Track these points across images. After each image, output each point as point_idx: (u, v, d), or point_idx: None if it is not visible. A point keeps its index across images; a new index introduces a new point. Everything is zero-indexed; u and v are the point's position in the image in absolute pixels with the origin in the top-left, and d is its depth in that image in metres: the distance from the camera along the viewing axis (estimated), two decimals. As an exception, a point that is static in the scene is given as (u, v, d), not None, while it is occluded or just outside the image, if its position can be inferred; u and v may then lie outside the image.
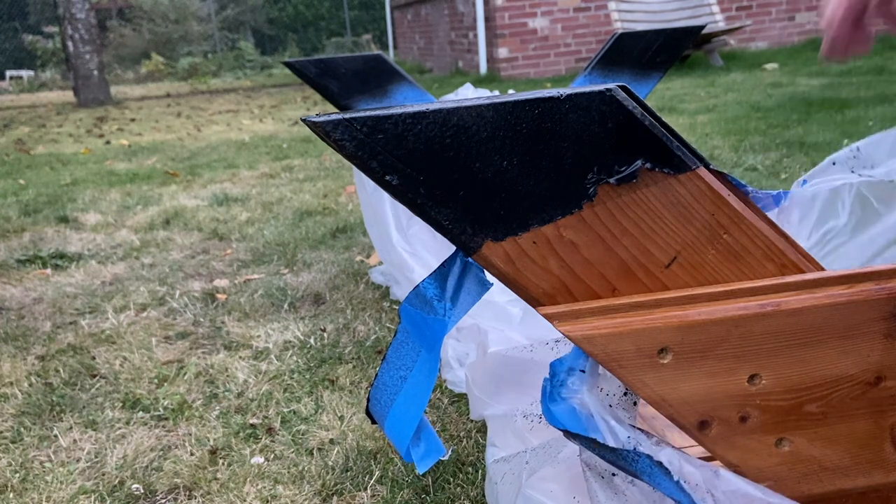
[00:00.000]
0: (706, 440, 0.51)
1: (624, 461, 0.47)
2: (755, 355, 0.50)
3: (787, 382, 0.51)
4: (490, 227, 0.43)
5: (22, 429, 1.40)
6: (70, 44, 8.04)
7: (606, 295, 0.47)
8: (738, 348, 0.49)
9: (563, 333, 0.45)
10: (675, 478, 0.46)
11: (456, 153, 0.40)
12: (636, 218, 0.45)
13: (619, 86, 0.40)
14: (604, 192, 0.44)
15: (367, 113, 0.37)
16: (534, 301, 0.46)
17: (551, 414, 0.48)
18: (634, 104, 0.41)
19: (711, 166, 0.45)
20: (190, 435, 1.34)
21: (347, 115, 0.37)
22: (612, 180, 0.43)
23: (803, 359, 0.51)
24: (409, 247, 1.69)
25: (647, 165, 0.43)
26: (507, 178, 0.41)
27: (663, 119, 0.44)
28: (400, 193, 0.40)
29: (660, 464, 0.46)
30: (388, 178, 0.39)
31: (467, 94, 1.71)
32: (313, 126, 0.37)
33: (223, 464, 1.25)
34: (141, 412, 1.44)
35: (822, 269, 0.53)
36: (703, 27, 1.68)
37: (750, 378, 0.50)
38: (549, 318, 0.45)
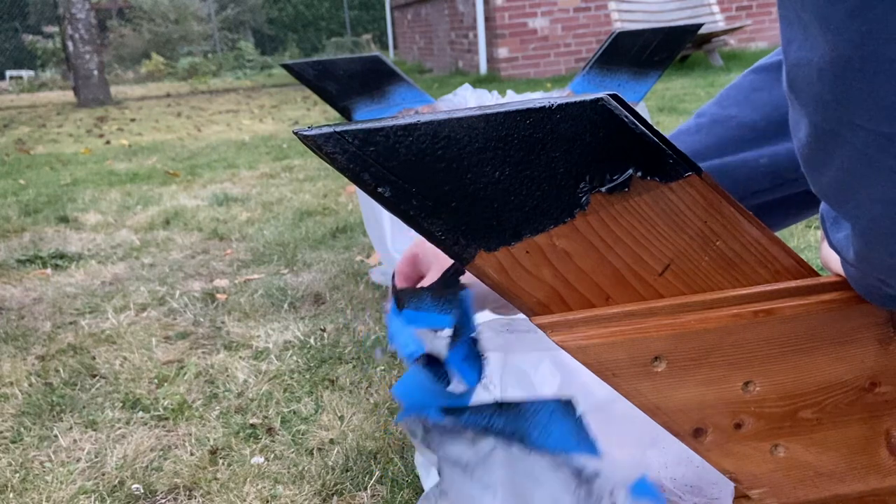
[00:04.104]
0: (701, 448, 0.51)
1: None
2: (749, 362, 0.50)
3: (781, 389, 0.51)
4: (483, 237, 0.43)
5: (22, 429, 1.40)
6: (70, 44, 8.04)
7: (600, 303, 0.47)
8: (731, 355, 0.49)
9: (556, 343, 0.45)
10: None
11: (448, 164, 0.40)
12: (629, 226, 0.45)
13: (610, 94, 0.40)
14: (596, 201, 0.44)
15: (359, 125, 0.38)
16: (528, 311, 0.46)
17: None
18: (626, 113, 0.41)
19: (704, 174, 0.45)
20: (190, 435, 1.35)
21: (339, 128, 0.37)
22: (603, 189, 0.43)
23: (797, 365, 0.51)
24: (407, 246, 1.69)
25: (639, 174, 0.43)
26: (500, 189, 0.41)
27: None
28: (393, 205, 0.40)
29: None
30: (380, 189, 0.40)
31: (466, 95, 1.71)
32: (304, 139, 0.38)
33: (223, 464, 1.25)
34: (141, 412, 1.44)
35: (817, 274, 0.53)
36: (701, 25, 1.68)
37: (744, 385, 0.51)
38: (542, 328, 0.45)
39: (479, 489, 0.46)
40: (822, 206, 0.47)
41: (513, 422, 0.49)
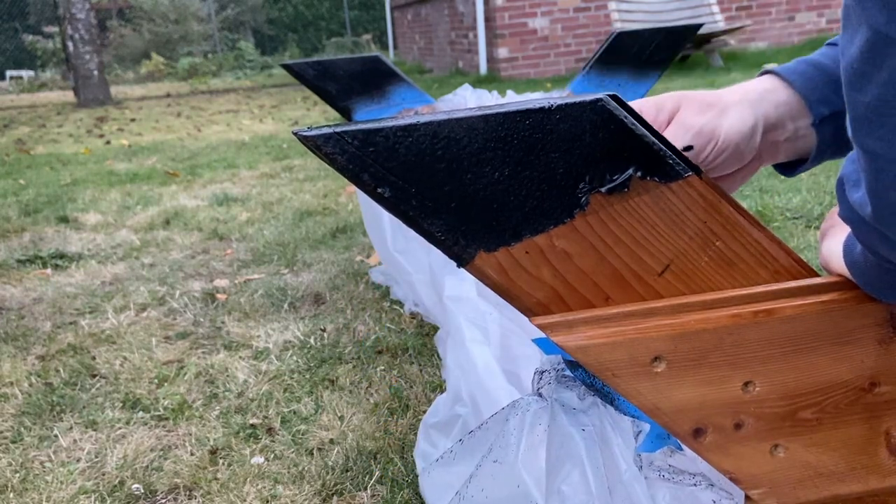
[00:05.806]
0: (701, 448, 0.51)
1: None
2: (749, 362, 0.50)
3: (781, 389, 0.51)
4: (482, 237, 0.43)
5: (22, 429, 1.40)
6: (70, 44, 8.04)
7: (600, 304, 0.47)
8: (731, 356, 0.49)
9: (557, 344, 0.45)
10: None
11: (447, 165, 0.40)
12: (628, 227, 0.45)
13: (609, 94, 0.40)
14: (596, 202, 0.44)
15: (358, 126, 0.37)
16: (528, 311, 0.46)
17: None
18: (625, 113, 0.41)
19: (703, 174, 0.45)
20: (190, 435, 1.35)
21: (339, 129, 0.37)
22: (603, 189, 0.43)
23: (797, 365, 0.51)
24: (407, 245, 1.69)
25: (639, 174, 0.43)
26: (499, 189, 0.41)
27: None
28: (392, 205, 0.40)
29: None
30: (380, 190, 0.39)
31: (466, 95, 1.71)
32: (304, 140, 0.37)
33: (223, 464, 1.25)
34: (141, 412, 1.44)
35: (817, 274, 0.53)
36: (701, 25, 1.69)
37: (744, 385, 0.51)
38: (542, 328, 0.45)
39: (576, 426, 0.57)
40: (844, 168, 0.46)
41: (609, 388, 0.57)
